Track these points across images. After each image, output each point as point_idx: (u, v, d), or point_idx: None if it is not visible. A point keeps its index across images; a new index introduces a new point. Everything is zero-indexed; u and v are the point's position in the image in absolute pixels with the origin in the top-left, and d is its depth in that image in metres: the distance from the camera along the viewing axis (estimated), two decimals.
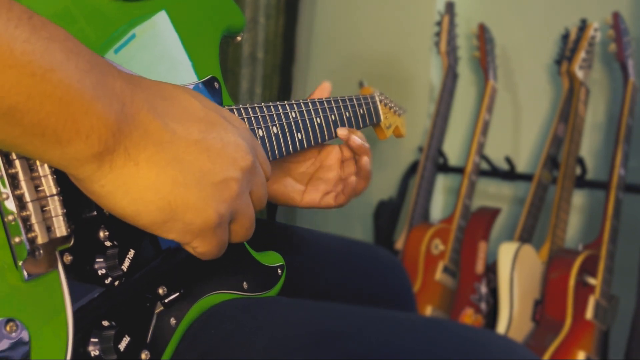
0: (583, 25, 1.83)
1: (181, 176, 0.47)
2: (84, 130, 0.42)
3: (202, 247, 0.51)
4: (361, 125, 0.89)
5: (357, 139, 0.83)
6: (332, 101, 0.84)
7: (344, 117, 0.85)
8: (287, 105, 0.75)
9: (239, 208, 0.52)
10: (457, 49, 2.07)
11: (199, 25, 0.67)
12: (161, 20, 0.62)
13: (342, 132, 0.83)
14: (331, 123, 0.83)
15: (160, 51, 0.61)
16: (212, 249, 0.52)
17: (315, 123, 0.80)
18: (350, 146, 0.84)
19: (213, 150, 0.50)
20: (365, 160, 0.84)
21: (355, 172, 0.85)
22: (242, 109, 0.68)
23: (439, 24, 2.03)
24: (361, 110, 0.90)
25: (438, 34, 2.03)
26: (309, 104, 0.80)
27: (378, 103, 0.94)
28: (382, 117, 0.95)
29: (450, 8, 2.03)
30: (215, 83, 0.67)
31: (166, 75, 0.61)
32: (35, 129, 0.41)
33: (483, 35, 2.01)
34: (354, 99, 0.88)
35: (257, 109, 0.70)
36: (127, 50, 0.57)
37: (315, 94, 0.88)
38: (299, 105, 0.77)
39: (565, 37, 1.89)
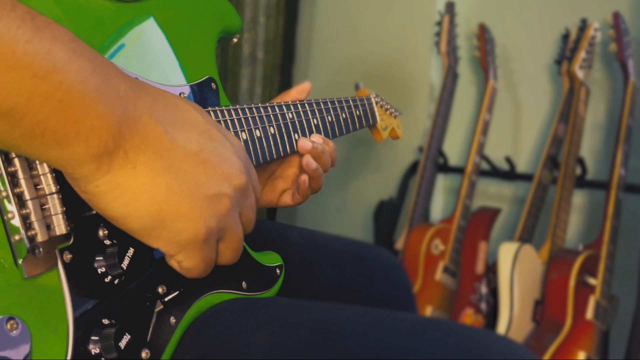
0: (583, 25, 1.83)
1: (176, 184, 0.47)
2: (84, 132, 0.42)
3: (187, 262, 0.50)
4: (357, 126, 0.89)
5: (312, 163, 0.76)
6: (329, 102, 0.84)
7: (341, 118, 0.86)
8: (284, 106, 0.75)
9: (228, 226, 0.52)
10: (457, 49, 2.06)
11: (192, 28, 0.66)
12: (150, 27, 0.61)
13: (303, 143, 0.76)
14: (327, 124, 0.83)
15: (149, 59, 0.61)
16: (198, 265, 0.51)
17: (312, 124, 0.80)
18: (303, 165, 0.76)
19: (209, 164, 0.50)
20: (302, 179, 0.77)
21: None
22: (239, 109, 0.68)
23: (439, 24, 2.03)
24: (357, 112, 0.90)
25: (438, 34, 2.03)
26: (306, 104, 0.80)
27: (374, 105, 0.94)
28: (378, 118, 0.95)
29: (450, 8, 2.03)
30: (212, 84, 0.67)
31: (156, 81, 0.61)
32: (35, 130, 0.41)
33: (483, 35, 2.01)
34: (350, 101, 0.89)
35: (254, 109, 0.70)
36: (117, 60, 0.57)
37: (291, 92, 0.84)
38: (295, 106, 0.77)
39: (566, 37, 1.89)
